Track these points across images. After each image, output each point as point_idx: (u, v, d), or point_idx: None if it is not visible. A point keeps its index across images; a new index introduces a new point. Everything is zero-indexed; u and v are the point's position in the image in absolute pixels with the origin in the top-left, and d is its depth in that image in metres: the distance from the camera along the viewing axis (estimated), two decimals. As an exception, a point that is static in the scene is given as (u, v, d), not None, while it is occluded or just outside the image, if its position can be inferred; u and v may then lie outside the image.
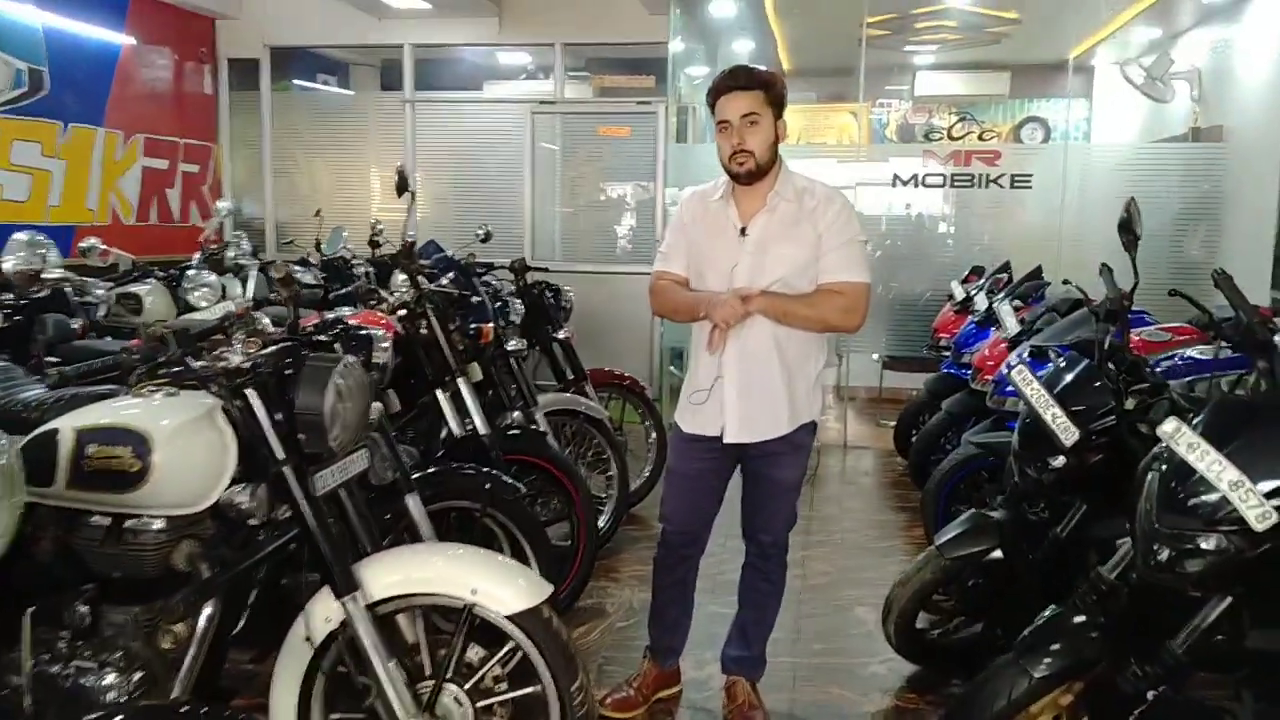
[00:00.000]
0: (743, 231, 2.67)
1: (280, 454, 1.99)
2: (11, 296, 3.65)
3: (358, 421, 2.13)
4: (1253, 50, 6.21)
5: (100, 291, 3.93)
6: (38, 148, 6.16)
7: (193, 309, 4.95)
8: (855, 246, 2.66)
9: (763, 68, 2.67)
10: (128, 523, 2.00)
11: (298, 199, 8.03)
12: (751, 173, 2.63)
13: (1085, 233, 6.32)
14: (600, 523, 3.99)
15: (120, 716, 1.79)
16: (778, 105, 2.64)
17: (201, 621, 2.05)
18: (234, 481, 2.03)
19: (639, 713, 2.96)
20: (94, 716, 1.67)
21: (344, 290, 4.12)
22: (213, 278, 4.98)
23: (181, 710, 1.78)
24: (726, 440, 2.71)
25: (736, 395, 2.69)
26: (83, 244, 4.46)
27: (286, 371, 2.06)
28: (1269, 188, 5.60)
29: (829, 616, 3.59)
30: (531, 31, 7.55)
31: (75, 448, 1.95)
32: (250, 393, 1.99)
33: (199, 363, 2.02)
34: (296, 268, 5.49)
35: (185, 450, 1.97)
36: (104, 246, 4.50)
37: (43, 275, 3.40)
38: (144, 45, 7.13)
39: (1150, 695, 1.97)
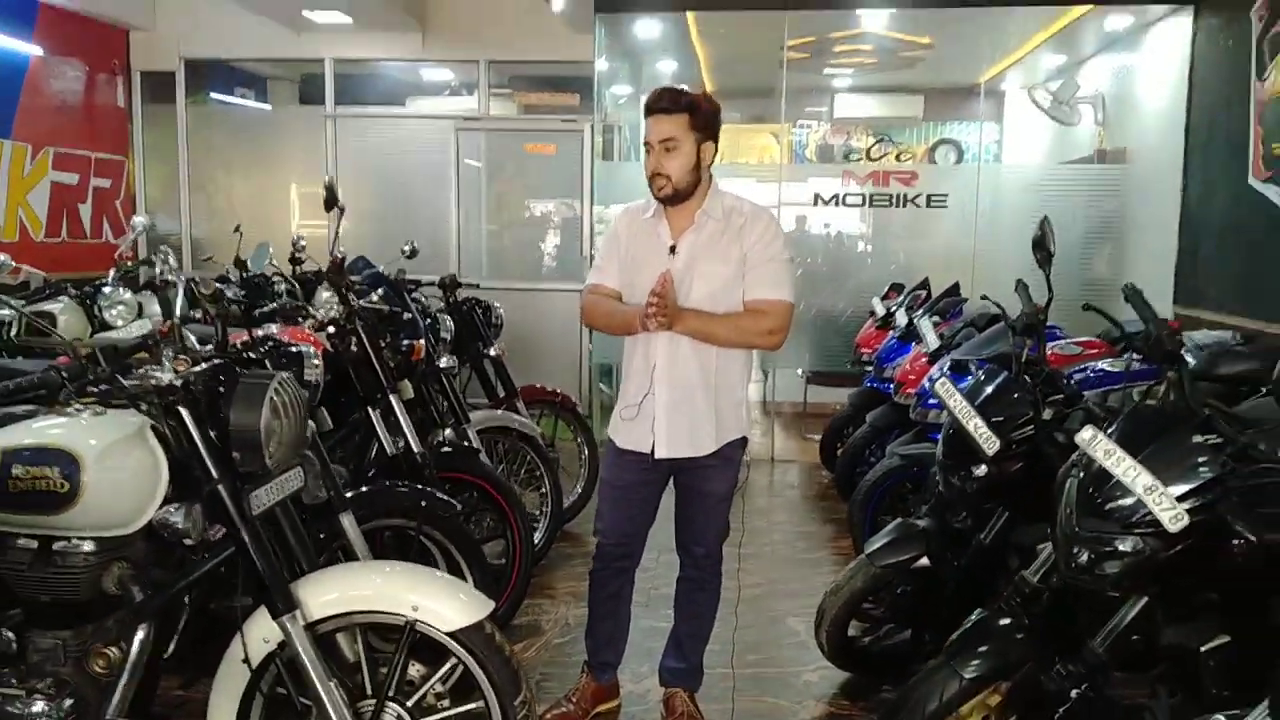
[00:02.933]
0: (672, 249, 2.72)
1: (215, 473, 1.96)
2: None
3: (294, 438, 2.11)
4: (1153, 76, 6.52)
5: (6, 311, 3.80)
6: (-60, 161, 5.96)
7: (108, 327, 4.82)
8: (779, 265, 2.71)
9: (691, 89, 2.73)
10: (56, 545, 1.96)
11: (215, 214, 7.90)
12: (669, 197, 2.68)
13: (997, 250, 6.55)
14: (534, 540, 3.98)
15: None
16: (705, 129, 2.67)
17: (134, 645, 2.00)
18: (166, 501, 1.99)
19: (579, 728, 2.97)
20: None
21: (269, 307, 4.05)
22: (129, 295, 4.85)
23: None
24: (657, 457, 2.75)
25: (665, 412, 2.72)
26: (-8, 261, 4.32)
27: (220, 389, 2.03)
28: (1170, 207, 5.87)
29: (762, 628, 3.65)
30: (455, 48, 7.58)
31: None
32: (183, 410, 1.96)
33: (129, 380, 1.98)
34: (217, 284, 5.37)
35: (116, 470, 1.93)
36: (14, 264, 4.36)
37: (-52, 295, 3.28)
38: (53, 56, 6.94)
39: (1074, 694, 2.06)
